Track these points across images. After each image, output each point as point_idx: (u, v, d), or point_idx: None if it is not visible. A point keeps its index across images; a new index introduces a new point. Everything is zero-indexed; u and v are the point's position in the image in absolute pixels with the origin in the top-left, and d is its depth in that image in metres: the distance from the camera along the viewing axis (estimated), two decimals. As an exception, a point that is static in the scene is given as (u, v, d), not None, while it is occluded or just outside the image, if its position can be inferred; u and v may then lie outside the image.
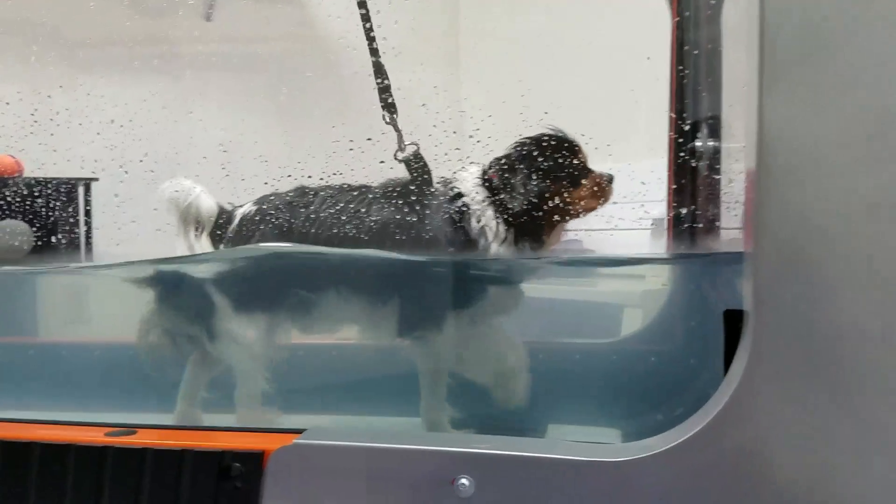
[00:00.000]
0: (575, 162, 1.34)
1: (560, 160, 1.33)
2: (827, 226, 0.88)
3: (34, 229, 1.77)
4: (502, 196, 1.32)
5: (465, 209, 1.33)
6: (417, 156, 1.39)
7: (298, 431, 1.10)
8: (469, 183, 1.35)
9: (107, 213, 1.48)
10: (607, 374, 1.63)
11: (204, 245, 1.44)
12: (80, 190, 2.22)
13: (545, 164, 1.32)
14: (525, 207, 1.31)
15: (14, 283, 1.90)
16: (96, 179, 2.11)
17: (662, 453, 0.95)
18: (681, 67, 1.41)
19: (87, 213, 2.19)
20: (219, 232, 1.45)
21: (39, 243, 1.78)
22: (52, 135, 1.44)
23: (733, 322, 1.02)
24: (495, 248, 1.33)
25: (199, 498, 1.08)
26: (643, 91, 1.46)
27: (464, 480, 1.00)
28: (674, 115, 1.44)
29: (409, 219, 1.34)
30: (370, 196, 1.38)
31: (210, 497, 1.07)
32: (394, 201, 1.36)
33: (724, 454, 0.93)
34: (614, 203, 1.35)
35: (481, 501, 1.00)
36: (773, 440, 0.92)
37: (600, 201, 1.37)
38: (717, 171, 1.50)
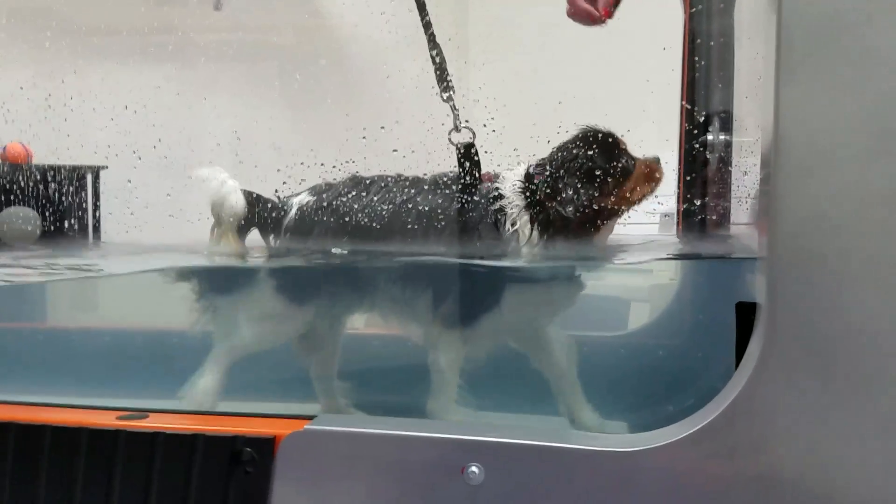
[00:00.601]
0: (620, 154, 1.33)
1: (607, 155, 1.32)
2: (842, 219, 0.88)
3: (44, 216, 1.78)
4: (549, 200, 1.31)
5: (502, 212, 1.33)
6: (471, 147, 1.38)
7: (309, 417, 1.10)
8: (510, 184, 1.35)
9: (119, 199, 1.48)
10: (615, 367, 1.63)
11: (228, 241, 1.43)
12: (89, 177, 2.23)
13: (594, 163, 1.31)
14: (576, 209, 1.29)
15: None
16: (105, 167, 2.12)
17: (673, 443, 0.95)
18: (696, 58, 1.41)
19: (96, 200, 2.20)
20: (270, 223, 1.43)
21: (49, 229, 1.79)
22: (65, 120, 1.45)
23: (745, 314, 1.02)
24: (526, 251, 1.32)
25: (210, 482, 1.08)
26: (658, 82, 1.46)
27: (473, 468, 1.01)
28: (686, 107, 1.44)
29: (452, 213, 1.34)
30: (423, 187, 1.38)
31: (221, 481, 1.08)
32: (442, 194, 1.36)
33: (735, 445, 0.94)
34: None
35: (491, 489, 1.01)
36: (784, 432, 0.92)
37: (653, 185, 1.35)
38: (729, 165, 1.49)
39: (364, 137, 1.34)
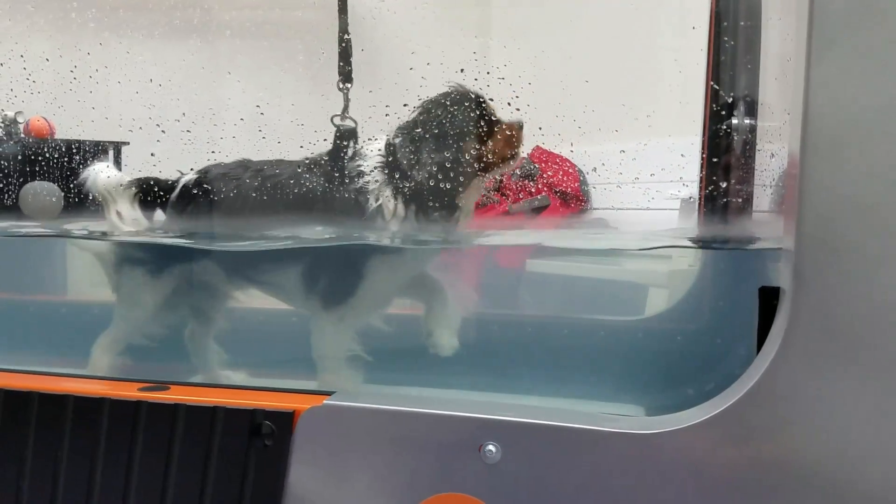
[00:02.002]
0: (482, 115, 1.32)
1: (466, 116, 1.31)
2: (871, 202, 0.86)
3: (67, 189, 1.79)
4: (407, 167, 1.31)
5: (363, 189, 1.33)
6: (350, 133, 1.39)
7: (328, 393, 1.11)
8: (370, 160, 1.35)
9: (143, 172, 1.50)
10: (632, 352, 1.63)
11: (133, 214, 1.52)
12: (111, 153, 2.24)
13: (451, 122, 1.30)
14: (435, 171, 1.29)
15: (45, 243, 1.93)
16: (127, 143, 2.12)
17: (693, 426, 0.95)
18: (723, 39, 1.39)
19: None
20: (162, 199, 1.51)
21: (72, 203, 1.80)
22: (90, 92, 1.46)
23: (767, 299, 1.01)
24: (393, 227, 1.33)
25: (230, 454, 1.09)
26: (686, 62, 1.44)
27: (491, 447, 1.01)
28: (713, 87, 1.42)
29: (320, 193, 1.36)
30: (296, 169, 1.40)
31: (240, 454, 1.09)
32: (314, 174, 1.38)
33: (755, 429, 0.93)
34: (652, 175, 1.33)
35: (508, 468, 1.01)
36: (805, 416, 0.91)
37: (513, 150, 1.33)
38: (753, 150, 1.47)
39: (387, 115, 1.33)
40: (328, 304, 1.41)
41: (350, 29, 1.37)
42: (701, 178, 1.51)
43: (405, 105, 1.32)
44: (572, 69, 1.40)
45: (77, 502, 1.15)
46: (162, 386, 1.19)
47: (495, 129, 1.32)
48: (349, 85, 1.40)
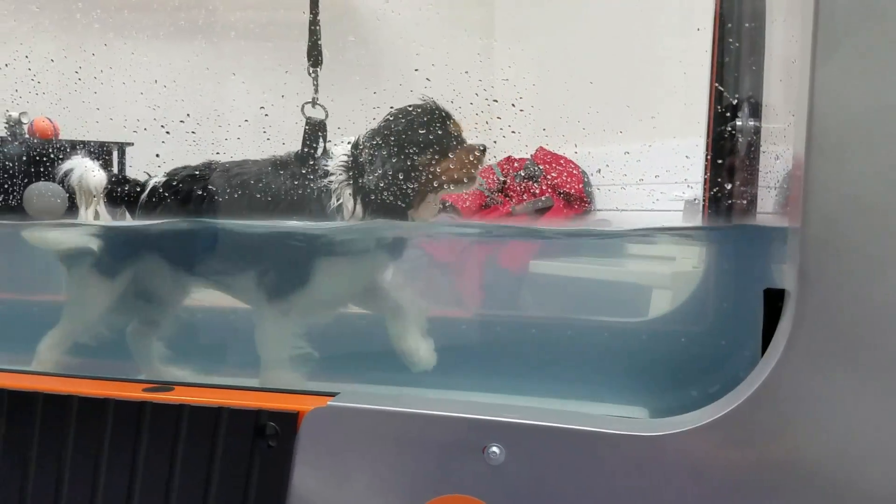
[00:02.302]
0: (444, 132, 1.33)
1: (428, 130, 1.32)
2: (876, 204, 0.86)
3: (72, 190, 1.80)
4: (368, 170, 1.32)
5: (326, 188, 1.34)
6: (319, 126, 1.40)
7: (332, 394, 1.11)
8: (336, 160, 1.36)
9: (148, 174, 1.51)
10: (636, 353, 1.63)
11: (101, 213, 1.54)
12: (115, 153, 2.24)
13: (412, 135, 1.32)
14: (388, 180, 1.31)
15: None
16: (131, 144, 2.13)
17: (698, 429, 0.95)
18: (727, 41, 1.39)
19: (122, 175, 2.21)
20: (129, 200, 1.52)
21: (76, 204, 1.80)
22: (95, 93, 1.46)
23: (772, 301, 1.01)
24: (349, 226, 1.34)
25: (234, 455, 1.09)
26: (690, 63, 1.44)
27: (494, 448, 1.01)
28: (718, 88, 1.42)
29: (285, 191, 1.37)
30: (262, 169, 1.41)
31: (245, 454, 1.09)
32: (279, 174, 1.39)
33: (761, 431, 0.93)
34: (656, 177, 1.33)
35: (511, 470, 1.01)
36: (811, 419, 0.91)
37: (469, 172, 1.35)
38: (757, 152, 1.47)
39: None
40: (272, 297, 1.42)
41: (354, 30, 1.37)
42: (705, 179, 1.51)
43: (410, 107, 1.31)
44: (576, 71, 1.40)
45: (81, 503, 1.15)
46: (166, 386, 1.19)
47: (455, 149, 1.34)
48: (318, 69, 1.41)
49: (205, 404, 1.11)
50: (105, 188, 1.53)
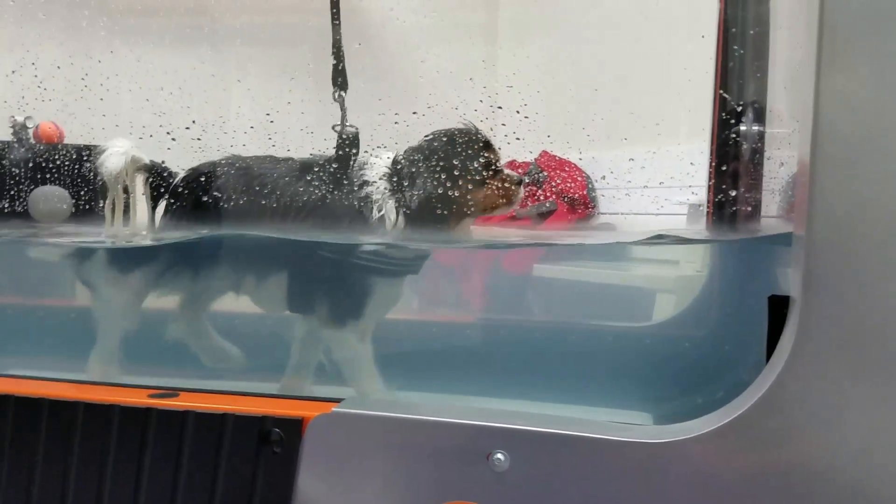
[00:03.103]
0: (484, 161, 1.34)
1: (468, 157, 1.33)
2: (882, 211, 0.86)
3: (79, 195, 1.80)
4: (406, 187, 1.33)
5: (367, 198, 1.35)
6: (354, 139, 1.40)
7: (337, 400, 1.11)
8: (376, 171, 1.36)
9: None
10: (639, 358, 1.63)
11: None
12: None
13: (453, 159, 1.32)
14: (427, 201, 1.32)
15: (53, 248, 1.94)
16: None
17: (703, 436, 0.94)
18: (732, 47, 1.39)
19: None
20: (160, 192, 1.50)
21: (82, 208, 1.81)
22: (101, 100, 1.47)
23: (777, 308, 1.01)
24: (392, 238, 1.35)
25: (239, 461, 1.10)
26: (695, 69, 1.44)
27: (499, 455, 1.01)
28: (722, 94, 1.42)
29: (320, 197, 1.37)
30: (292, 169, 1.41)
31: (249, 460, 1.09)
32: (311, 177, 1.39)
33: (766, 439, 0.93)
34: (661, 183, 1.33)
35: (516, 477, 1.01)
36: (816, 426, 0.91)
37: (506, 202, 1.36)
38: (761, 157, 1.47)
39: (396, 122, 1.34)
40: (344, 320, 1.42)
41: (360, 37, 1.38)
42: (709, 185, 1.51)
43: (414, 113, 1.32)
44: (581, 77, 1.40)
45: (86, 508, 1.15)
46: (171, 392, 1.19)
47: (493, 178, 1.35)
48: (344, 94, 1.41)
49: (210, 410, 1.11)
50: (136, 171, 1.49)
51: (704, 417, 0.98)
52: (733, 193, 1.44)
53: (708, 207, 1.54)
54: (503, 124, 1.33)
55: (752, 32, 1.41)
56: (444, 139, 1.35)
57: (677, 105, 1.45)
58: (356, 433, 1.07)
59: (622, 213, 1.66)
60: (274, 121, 1.41)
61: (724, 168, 1.43)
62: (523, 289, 1.88)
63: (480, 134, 1.35)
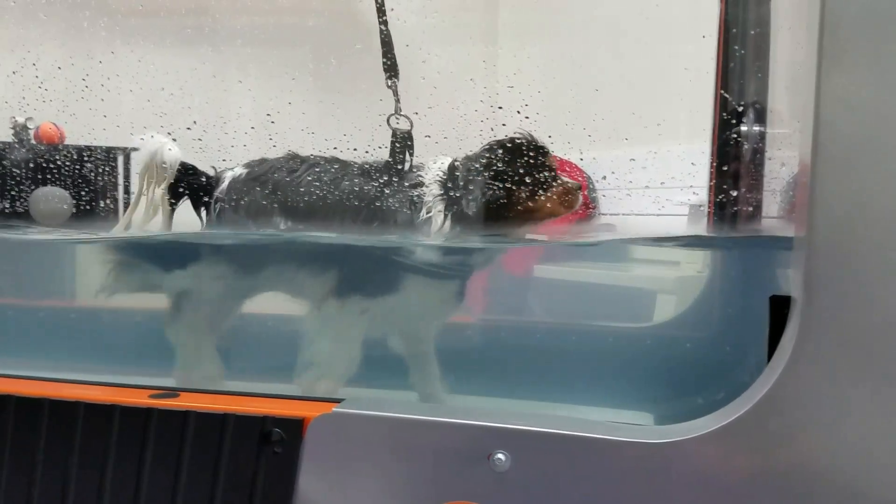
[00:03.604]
0: (542, 169, 1.35)
1: (526, 168, 1.33)
2: (883, 211, 0.86)
3: (79, 195, 1.81)
4: (463, 194, 1.33)
5: (419, 199, 1.35)
6: (407, 135, 1.40)
7: (337, 401, 1.11)
8: (432, 174, 1.37)
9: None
10: (640, 359, 1.62)
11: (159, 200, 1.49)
12: (120, 159, 2.25)
13: (512, 168, 1.33)
14: (486, 208, 1.32)
15: (54, 249, 1.94)
16: (136, 150, 2.13)
17: (704, 436, 0.94)
18: (733, 47, 1.39)
19: (127, 182, 2.22)
20: (203, 195, 1.48)
21: (82, 209, 1.81)
22: (102, 100, 1.47)
23: (778, 308, 1.01)
24: (437, 239, 1.35)
25: (240, 461, 1.10)
26: (696, 70, 1.44)
27: (500, 455, 1.01)
28: (723, 94, 1.42)
29: (376, 197, 1.37)
30: (351, 170, 1.41)
31: (250, 461, 1.09)
32: (368, 179, 1.39)
33: (767, 439, 0.93)
34: (662, 183, 1.33)
35: (517, 477, 1.01)
36: (817, 427, 0.91)
37: (565, 210, 1.37)
38: (762, 157, 1.47)
39: (398, 123, 1.34)
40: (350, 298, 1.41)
41: (361, 38, 1.38)
42: (710, 185, 1.51)
43: (415, 113, 1.32)
44: (582, 77, 1.40)
45: (87, 509, 1.15)
46: (172, 393, 1.19)
47: (552, 186, 1.35)
48: (396, 80, 1.40)
49: (210, 411, 1.11)
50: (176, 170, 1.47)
51: (705, 418, 0.99)
52: (734, 194, 1.44)
53: (709, 208, 1.54)
54: (504, 124, 1.33)
55: (752, 32, 1.41)
56: (503, 147, 1.35)
57: (678, 105, 1.45)
58: (357, 433, 1.07)
59: (623, 214, 1.65)
60: (275, 121, 1.41)
61: (725, 168, 1.43)
62: (524, 289, 1.88)
63: (537, 141, 1.35)
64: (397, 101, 1.41)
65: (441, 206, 1.34)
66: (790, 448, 0.92)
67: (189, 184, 1.49)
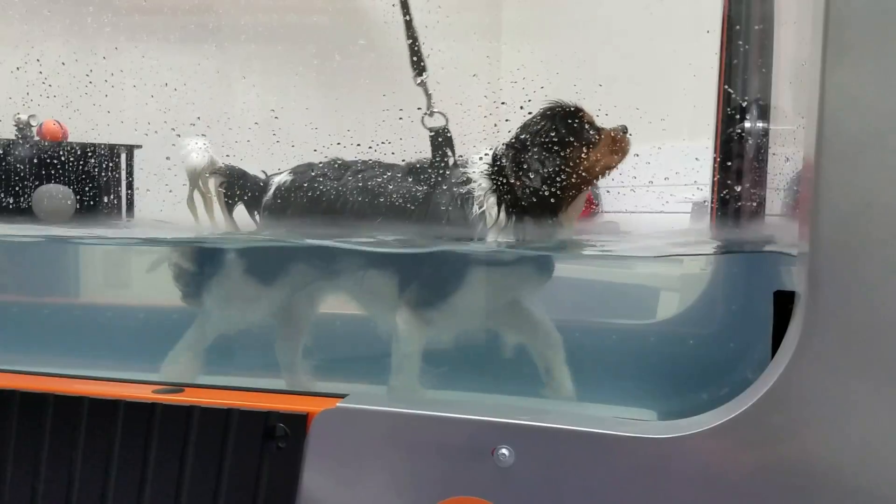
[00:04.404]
0: (583, 125, 1.33)
1: (570, 127, 1.31)
2: (888, 206, 0.86)
3: (83, 192, 1.81)
4: (516, 178, 1.31)
5: (470, 195, 1.34)
6: (444, 131, 1.39)
7: (341, 396, 1.11)
8: (478, 167, 1.36)
9: (157, 176, 1.50)
10: (644, 356, 1.63)
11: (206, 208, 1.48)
12: (123, 156, 2.26)
13: (557, 135, 1.31)
14: (543, 183, 1.30)
15: (59, 246, 1.95)
16: (139, 146, 2.14)
17: (708, 431, 0.94)
18: (736, 43, 1.39)
19: (130, 178, 2.23)
20: (252, 199, 1.48)
21: (86, 205, 1.82)
22: (105, 96, 1.47)
23: (782, 304, 1.01)
24: (493, 235, 1.33)
25: (244, 456, 1.10)
26: (700, 65, 1.44)
27: (504, 450, 1.01)
28: (727, 90, 1.42)
29: (422, 197, 1.36)
30: (396, 174, 1.40)
31: (254, 456, 1.10)
32: (414, 180, 1.38)
33: (771, 435, 0.93)
34: (666, 179, 1.33)
35: (521, 472, 1.01)
36: (821, 422, 0.91)
37: (619, 156, 1.34)
38: (765, 154, 1.47)
39: (401, 118, 1.34)
40: (417, 307, 1.41)
41: (363, 34, 1.38)
42: (714, 181, 1.50)
43: (419, 108, 1.32)
44: (585, 73, 1.40)
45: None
46: (176, 388, 1.19)
47: (598, 138, 1.33)
48: (425, 76, 1.39)
49: (215, 406, 1.12)
50: (206, 173, 1.46)
51: (709, 413, 0.98)
52: (738, 189, 1.44)
53: (712, 204, 1.54)
54: (507, 120, 1.33)
55: (756, 29, 1.41)
56: (539, 119, 1.33)
57: (682, 101, 1.45)
58: (361, 428, 1.08)
59: (626, 211, 1.65)
60: (278, 117, 1.41)
61: (728, 164, 1.43)
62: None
63: (568, 103, 1.33)
64: (429, 97, 1.40)
65: (493, 199, 1.33)
66: (793, 443, 0.92)
67: (240, 188, 1.49)
